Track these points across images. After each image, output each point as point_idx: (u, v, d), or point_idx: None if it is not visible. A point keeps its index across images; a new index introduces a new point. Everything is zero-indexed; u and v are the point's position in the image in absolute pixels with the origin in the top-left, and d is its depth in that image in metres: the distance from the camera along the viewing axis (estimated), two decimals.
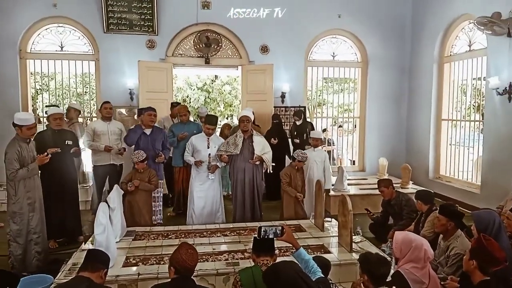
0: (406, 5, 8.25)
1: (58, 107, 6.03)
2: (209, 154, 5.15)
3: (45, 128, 5.53)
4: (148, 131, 5.25)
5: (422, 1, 7.88)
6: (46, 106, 6.75)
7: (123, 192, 4.27)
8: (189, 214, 5.26)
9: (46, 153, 4.16)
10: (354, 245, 3.86)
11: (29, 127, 3.95)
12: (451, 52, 7.40)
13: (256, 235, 2.66)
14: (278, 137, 6.78)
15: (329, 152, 8.50)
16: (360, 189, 6.85)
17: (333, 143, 8.84)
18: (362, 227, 4.52)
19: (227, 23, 7.67)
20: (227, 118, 14.67)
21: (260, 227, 2.62)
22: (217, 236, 4.36)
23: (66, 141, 4.73)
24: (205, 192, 5.20)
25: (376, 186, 5.18)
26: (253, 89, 7.69)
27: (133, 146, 5.32)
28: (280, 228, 2.62)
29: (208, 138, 5.21)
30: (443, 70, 7.53)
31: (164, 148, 5.36)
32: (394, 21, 8.24)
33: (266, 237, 2.59)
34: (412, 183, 7.08)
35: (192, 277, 2.52)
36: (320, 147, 5.83)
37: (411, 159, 8.05)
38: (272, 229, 2.60)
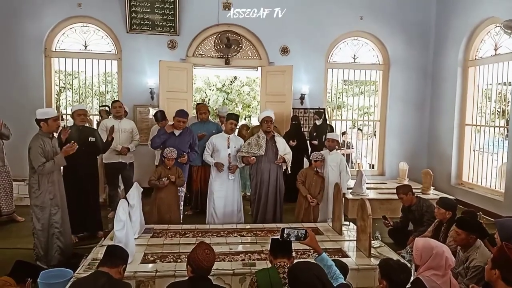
0: (430, 7, 8.10)
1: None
2: (229, 154, 5.17)
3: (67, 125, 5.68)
4: (177, 132, 5.24)
5: (447, 3, 7.72)
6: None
7: (142, 189, 4.31)
8: (209, 213, 5.26)
9: (72, 142, 4.15)
10: (372, 250, 3.79)
11: (55, 118, 4.09)
12: (476, 56, 7.22)
13: (273, 236, 2.65)
14: (297, 138, 6.75)
15: (348, 155, 8.42)
16: (379, 193, 6.75)
17: (352, 146, 8.74)
18: (381, 232, 4.45)
19: (248, 24, 7.68)
20: (245, 119, 14.70)
21: (283, 229, 2.61)
22: (234, 236, 4.35)
23: (90, 138, 4.83)
24: (225, 192, 5.21)
25: (396, 190, 5.09)
26: (272, 90, 7.68)
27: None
28: (303, 231, 2.59)
29: (228, 138, 5.21)
30: (468, 74, 7.35)
31: (192, 150, 5.35)
32: (417, 24, 8.10)
33: (288, 239, 2.57)
34: (434, 189, 6.95)
35: (208, 276, 2.53)
36: (335, 151, 5.72)
37: (433, 164, 7.88)
38: (294, 231, 2.58)
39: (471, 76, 7.31)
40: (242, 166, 5.40)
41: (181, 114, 5.22)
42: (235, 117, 5.38)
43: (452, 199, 4.86)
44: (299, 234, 2.57)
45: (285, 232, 2.57)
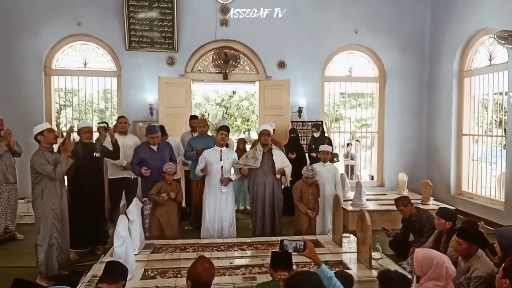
0: (424, 19, 8.22)
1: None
2: (222, 167, 5.14)
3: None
4: (155, 148, 5.28)
5: (441, 15, 7.84)
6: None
7: (142, 205, 4.31)
8: (204, 227, 5.21)
9: (63, 141, 4.21)
10: (373, 262, 3.78)
11: (49, 129, 4.18)
12: (471, 66, 7.30)
13: (273, 250, 2.65)
14: (295, 151, 6.77)
15: (351, 166, 8.45)
16: (379, 204, 6.74)
17: (354, 158, 8.77)
18: (381, 244, 4.43)
19: (245, 39, 7.79)
20: (244, 133, 14.75)
21: (282, 241, 2.62)
22: (234, 250, 4.34)
23: (94, 153, 4.86)
24: (218, 206, 5.16)
25: (394, 203, 5.07)
26: (270, 104, 7.74)
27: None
28: (301, 243, 2.60)
29: (221, 151, 5.19)
30: (463, 85, 7.42)
31: (172, 161, 5.34)
32: (412, 35, 8.21)
33: (286, 251, 2.58)
34: (433, 199, 6.94)
35: None
36: (329, 162, 5.72)
37: (432, 175, 7.89)
38: (293, 243, 2.58)
39: (467, 86, 7.38)
40: (236, 179, 5.38)
41: (152, 130, 5.25)
42: (225, 128, 5.41)
43: (452, 209, 4.86)
44: (298, 246, 2.57)
45: (284, 243, 2.58)
